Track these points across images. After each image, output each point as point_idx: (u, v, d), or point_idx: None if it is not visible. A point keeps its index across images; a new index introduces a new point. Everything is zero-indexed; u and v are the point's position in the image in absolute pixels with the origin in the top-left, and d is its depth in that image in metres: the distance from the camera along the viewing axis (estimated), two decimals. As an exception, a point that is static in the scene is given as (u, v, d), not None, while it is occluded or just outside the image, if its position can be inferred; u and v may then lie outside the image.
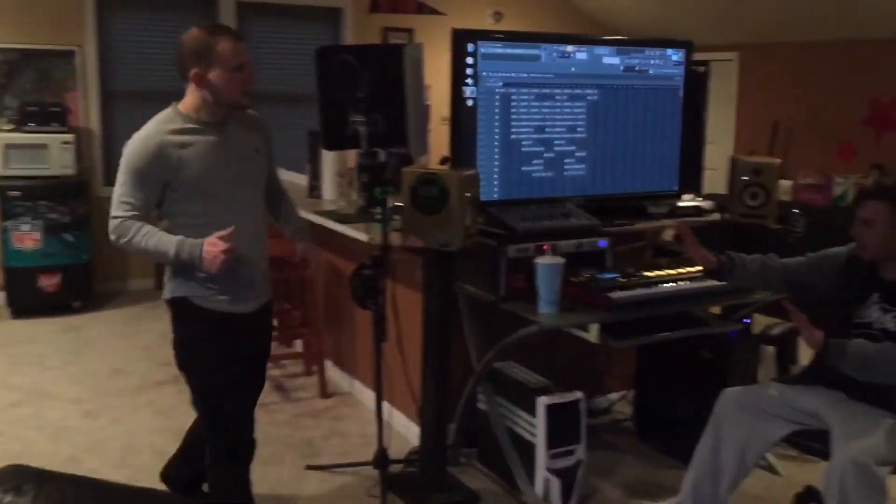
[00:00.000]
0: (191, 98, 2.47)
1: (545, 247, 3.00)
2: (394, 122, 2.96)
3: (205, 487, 2.80)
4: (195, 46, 2.41)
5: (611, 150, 3.55)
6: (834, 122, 6.62)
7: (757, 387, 3.02)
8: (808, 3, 6.23)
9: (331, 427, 3.91)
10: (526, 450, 3.18)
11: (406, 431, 3.71)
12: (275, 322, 4.02)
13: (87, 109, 6.21)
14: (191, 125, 2.45)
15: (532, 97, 3.33)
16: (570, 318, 2.87)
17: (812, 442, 2.73)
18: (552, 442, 3.11)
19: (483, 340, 3.32)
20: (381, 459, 3.03)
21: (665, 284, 3.05)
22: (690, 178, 3.84)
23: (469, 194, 2.85)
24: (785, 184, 5.90)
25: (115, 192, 2.43)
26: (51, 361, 4.81)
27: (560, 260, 2.83)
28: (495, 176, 3.30)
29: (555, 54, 3.36)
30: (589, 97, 3.45)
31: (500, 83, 3.25)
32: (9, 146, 5.58)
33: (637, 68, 3.54)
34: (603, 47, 3.47)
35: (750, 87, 7.40)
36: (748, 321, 3.62)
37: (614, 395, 4.10)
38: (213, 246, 2.36)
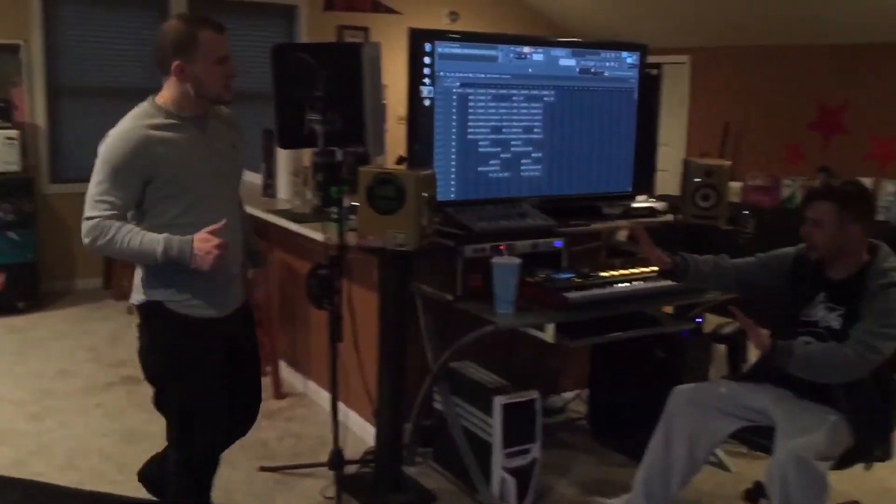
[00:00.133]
0: (170, 91, 2.37)
1: (502, 247, 3.02)
2: (351, 122, 2.95)
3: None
4: (176, 37, 2.31)
5: (566, 152, 3.58)
6: (782, 126, 6.77)
7: (707, 384, 3.08)
8: (758, 10, 6.35)
9: (285, 428, 3.88)
10: (482, 449, 3.19)
11: (361, 432, 3.70)
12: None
13: (33, 105, 6.06)
14: (171, 120, 2.35)
15: (489, 98, 3.34)
16: (527, 317, 2.89)
17: (760, 438, 2.79)
18: (508, 441, 3.12)
19: (439, 340, 3.32)
20: (337, 460, 3.01)
21: (619, 285, 3.08)
22: (644, 180, 3.89)
23: (426, 194, 2.84)
24: (735, 185, 6.01)
25: (91, 191, 2.28)
26: (-5, 363, 4.69)
27: (517, 260, 2.84)
28: (452, 176, 3.31)
29: (512, 55, 3.37)
30: (545, 98, 3.48)
31: (458, 83, 3.26)
32: (-49, 142, 5.43)
33: (593, 70, 3.57)
34: (559, 49, 3.50)
35: (701, 90, 7.52)
36: (700, 321, 3.68)
37: (569, 395, 4.13)
38: (204, 241, 2.26)
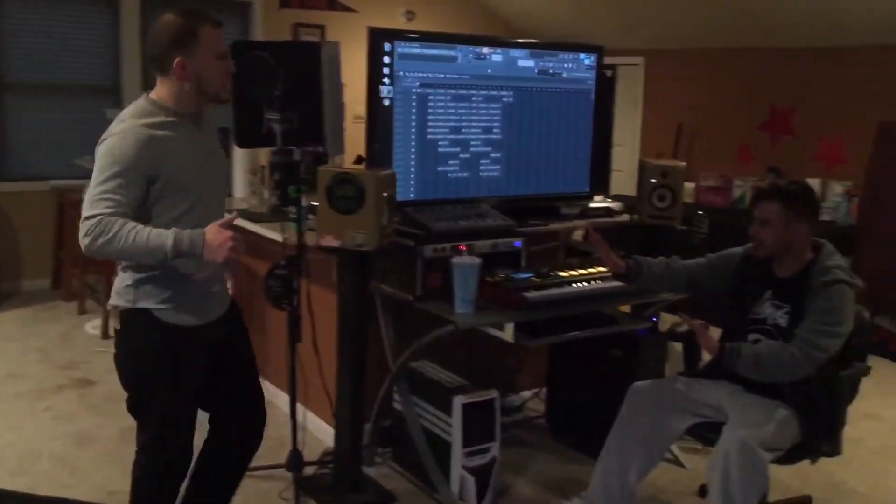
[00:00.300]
0: (167, 89, 2.26)
1: (462, 247, 3.02)
2: (309, 121, 2.93)
3: None
4: (176, 33, 2.21)
5: (525, 152, 3.60)
6: (734, 127, 6.89)
7: (664, 381, 3.13)
8: (710, 13, 6.46)
9: (242, 430, 3.83)
10: (441, 448, 3.20)
11: (320, 433, 3.67)
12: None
13: (-21, 101, 5.91)
14: (171, 118, 2.25)
15: (448, 98, 3.34)
16: (486, 317, 2.90)
17: (714, 434, 2.83)
18: (468, 440, 3.13)
19: (399, 340, 3.32)
20: (295, 461, 2.99)
21: (577, 284, 3.11)
22: (600, 180, 3.92)
23: (386, 194, 2.84)
24: (688, 186, 6.10)
25: (92, 191, 2.14)
26: (-61, 366, 4.56)
27: (477, 260, 2.85)
28: (411, 176, 3.30)
29: (471, 56, 3.38)
30: (504, 99, 3.49)
31: (417, 83, 3.25)
32: None
33: (551, 71, 3.60)
34: (518, 50, 3.51)
35: (655, 92, 7.62)
36: (656, 319, 3.73)
37: (527, 393, 4.16)
38: (217, 233, 2.13)
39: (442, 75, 3.32)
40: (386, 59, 3.16)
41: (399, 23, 7.57)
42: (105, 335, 5.09)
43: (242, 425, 2.62)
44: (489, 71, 3.44)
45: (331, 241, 2.89)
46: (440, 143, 3.36)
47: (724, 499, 2.57)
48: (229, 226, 2.18)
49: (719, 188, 6.54)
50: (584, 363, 3.71)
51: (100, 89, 6.43)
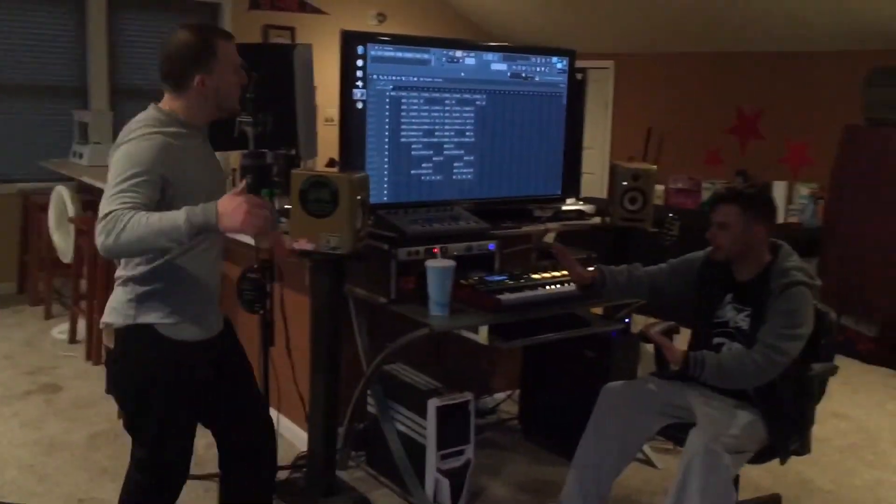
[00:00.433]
0: (181, 103, 2.24)
1: (435, 250, 3.03)
2: (282, 123, 2.92)
3: None
4: (193, 49, 2.19)
5: (498, 155, 3.61)
6: (702, 130, 6.97)
7: (636, 382, 3.15)
8: (679, 17, 6.53)
9: (214, 435, 3.80)
10: (416, 451, 3.20)
11: (293, 437, 3.65)
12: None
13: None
14: (184, 129, 2.23)
15: (422, 101, 3.34)
16: (461, 320, 2.90)
17: (685, 435, 2.86)
18: (442, 443, 3.13)
19: (373, 343, 3.31)
20: (269, 466, 2.96)
21: (550, 286, 3.12)
22: (572, 183, 3.95)
23: (360, 197, 2.82)
24: (658, 188, 6.16)
25: (107, 193, 2.07)
26: None
27: (451, 263, 2.85)
28: (385, 179, 3.30)
29: (444, 59, 3.39)
30: (477, 102, 3.50)
31: (391, 86, 3.25)
32: None
33: (523, 75, 3.62)
34: (491, 53, 3.52)
35: (625, 95, 7.69)
36: (628, 321, 3.77)
37: (500, 395, 4.17)
38: (230, 200, 2.01)
39: (415, 78, 3.32)
40: (359, 62, 3.15)
41: (370, 25, 7.56)
42: (72, 340, 5.03)
43: (251, 437, 2.55)
44: (462, 74, 3.45)
45: (304, 245, 2.87)
46: (413, 146, 3.36)
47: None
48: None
49: (688, 191, 6.61)
50: (557, 365, 3.73)
51: (66, 90, 6.34)
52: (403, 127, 3.32)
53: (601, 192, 5.05)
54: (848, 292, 5.32)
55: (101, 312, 4.41)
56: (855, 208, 5.38)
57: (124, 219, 1.97)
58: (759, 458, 2.84)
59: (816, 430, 2.99)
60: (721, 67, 6.85)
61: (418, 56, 3.33)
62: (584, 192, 4.18)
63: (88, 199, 5.42)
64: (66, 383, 4.40)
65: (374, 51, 3.19)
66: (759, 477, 3.49)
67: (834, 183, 5.55)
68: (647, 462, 3.65)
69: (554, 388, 3.76)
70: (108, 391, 2.42)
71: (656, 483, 3.50)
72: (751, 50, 6.53)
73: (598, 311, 3.60)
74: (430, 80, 3.36)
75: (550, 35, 7.31)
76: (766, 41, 6.33)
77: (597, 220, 3.88)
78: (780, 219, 5.97)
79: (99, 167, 5.65)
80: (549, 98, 3.72)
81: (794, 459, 2.97)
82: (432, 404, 3.11)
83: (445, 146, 3.45)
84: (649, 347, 3.36)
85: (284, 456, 3.37)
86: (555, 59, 3.70)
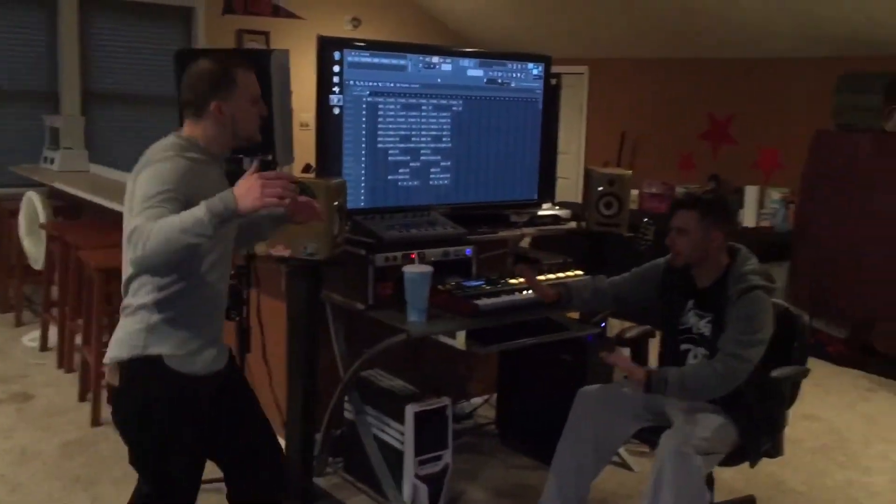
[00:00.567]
0: (200, 130, 2.23)
1: (413, 255, 3.03)
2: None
3: None
4: (213, 77, 2.20)
5: (474, 160, 3.62)
6: (676, 135, 7.04)
7: (612, 385, 3.17)
8: (652, 23, 6.60)
9: (189, 442, 3.77)
10: (394, 457, 3.19)
11: (270, 444, 3.63)
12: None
13: None
14: (202, 156, 2.23)
15: (399, 107, 3.35)
16: (438, 325, 2.91)
17: (659, 438, 2.89)
18: (420, 449, 3.13)
19: (350, 349, 3.30)
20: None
21: (527, 291, 3.14)
22: (547, 188, 3.97)
23: (336, 203, 2.83)
24: (632, 193, 6.22)
25: (135, 211, 2.04)
26: None
27: (428, 269, 2.86)
28: (362, 184, 3.30)
29: (420, 65, 3.40)
30: (454, 108, 3.51)
31: (367, 92, 3.25)
32: None
33: (499, 81, 3.64)
34: (467, 59, 3.54)
35: (599, 100, 7.74)
36: (604, 325, 3.79)
37: (477, 400, 4.18)
38: (245, 182, 2.00)
39: (392, 84, 3.32)
40: (336, 68, 3.15)
41: (345, 30, 7.55)
42: (43, 347, 4.96)
43: (259, 472, 2.48)
44: (439, 80, 3.46)
45: (281, 251, 2.87)
46: (390, 151, 3.36)
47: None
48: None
49: (662, 195, 6.66)
50: (534, 369, 3.74)
51: (37, 95, 6.27)
52: (380, 132, 3.32)
53: (576, 196, 5.07)
54: (818, 295, 5.39)
55: (73, 318, 4.42)
56: (825, 212, 5.46)
57: (146, 228, 1.96)
58: (731, 460, 2.87)
59: (788, 432, 3.03)
60: (694, 73, 6.92)
61: (395, 62, 3.33)
62: (558, 197, 4.20)
63: (59, 204, 5.37)
64: (37, 391, 4.34)
65: (351, 57, 3.19)
66: (733, 479, 3.53)
67: (805, 187, 5.63)
68: (624, 465, 3.67)
69: (530, 393, 3.78)
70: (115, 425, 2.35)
71: (632, 486, 3.52)
72: (723, 56, 6.61)
73: (575, 315, 3.62)
74: (406, 85, 3.37)
75: (525, 40, 7.35)
76: (738, 48, 6.40)
77: (572, 224, 3.90)
78: (753, 223, 6.05)
79: (70, 173, 5.60)
80: (525, 104, 3.75)
81: (767, 461, 3.01)
82: (410, 410, 3.11)
83: (422, 152, 3.45)
84: (625, 351, 3.38)
85: (261, 463, 3.35)
86: (531, 64, 3.73)
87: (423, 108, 3.42)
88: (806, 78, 6.11)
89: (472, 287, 3.06)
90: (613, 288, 3.08)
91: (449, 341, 2.95)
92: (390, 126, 3.34)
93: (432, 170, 3.50)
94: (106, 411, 4.03)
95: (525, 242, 4.22)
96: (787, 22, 5.77)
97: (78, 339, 4.37)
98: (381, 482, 3.21)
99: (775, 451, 2.96)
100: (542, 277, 3.28)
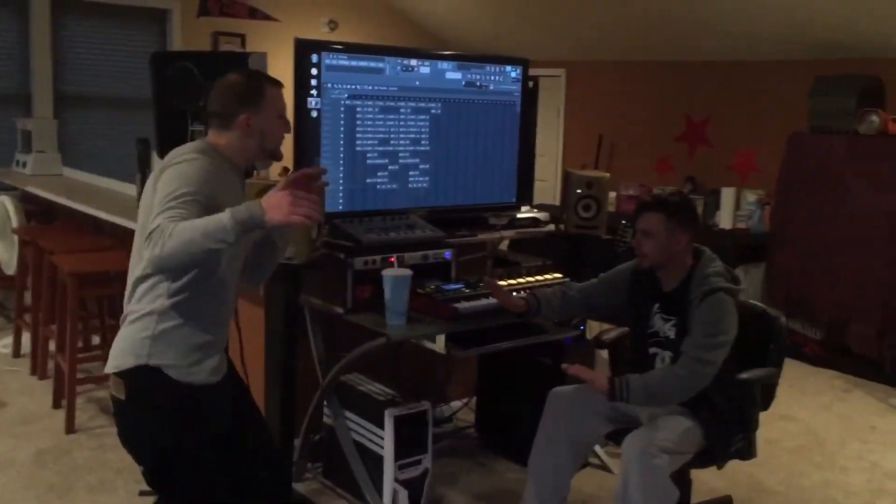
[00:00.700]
0: (226, 140, 2.24)
1: (392, 259, 3.01)
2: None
3: None
4: (242, 90, 2.22)
5: (453, 163, 3.62)
6: (652, 138, 7.08)
7: (583, 386, 3.16)
8: (629, 26, 6.63)
9: (166, 449, 3.73)
10: (373, 462, 3.17)
11: (248, 449, 3.60)
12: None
13: None
14: (225, 164, 2.23)
15: (377, 110, 3.34)
16: (418, 329, 2.89)
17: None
18: (400, 453, 3.11)
19: (329, 353, 3.28)
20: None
21: (506, 295, 3.13)
22: (525, 190, 3.97)
23: (315, 206, 2.81)
24: (610, 195, 6.24)
25: (156, 211, 2.02)
26: None
27: (408, 272, 2.84)
28: (340, 187, 3.28)
29: (399, 68, 3.39)
30: (432, 111, 3.50)
31: (346, 95, 3.24)
32: None
33: (478, 84, 3.63)
34: (445, 62, 3.53)
35: (576, 103, 7.78)
36: (583, 328, 3.80)
37: (457, 403, 4.17)
38: (273, 194, 2.00)
39: (370, 87, 3.31)
40: (313, 71, 3.13)
41: (321, 33, 7.53)
42: (16, 354, 4.89)
43: (266, 477, 2.44)
44: (417, 83, 3.45)
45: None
46: (369, 154, 3.35)
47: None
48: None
49: (639, 197, 6.70)
50: (513, 372, 3.74)
51: (8, 98, 6.19)
52: (359, 135, 3.30)
53: (553, 199, 5.08)
54: (794, 296, 5.44)
55: (46, 324, 4.35)
56: (800, 214, 5.51)
57: (168, 228, 1.93)
58: (699, 461, 2.87)
59: (765, 432, 3.04)
60: (670, 76, 6.97)
61: (373, 65, 3.32)
62: (536, 200, 4.21)
63: (32, 208, 5.29)
64: (10, 399, 4.28)
65: (329, 59, 3.17)
66: (711, 479, 3.54)
67: (780, 189, 5.68)
68: (603, 467, 3.68)
69: (510, 396, 3.77)
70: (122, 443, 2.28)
71: (611, 488, 3.52)
72: (699, 59, 6.66)
73: (554, 318, 3.62)
74: (384, 88, 3.35)
75: (503, 43, 7.36)
76: (714, 51, 6.46)
77: (551, 227, 3.91)
78: (729, 225, 6.10)
79: (43, 176, 5.52)
80: (504, 106, 3.75)
81: (746, 462, 3.02)
82: (389, 414, 3.09)
83: (401, 154, 3.44)
84: (604, 353, 3.39)
85: (239, 469, 3.33)
86: (509, 67, 3.73)
87: (402, 110, 3.41)
88: (781, 81, 6.17)
89: (452, 290, 3.05)
90: (583, 295, 3.07)
91: (429, 345, 2.93)
92: (368, 129, 3.32)
93: (411, 173, 3.49)
94: (80, 418, 3.98)
95: (504, 245, 4.22)
96: (763, 25, 5.83)
97: (52, 346, 4.31)
98: (360, 487, 3.19)
99: (748, 452, 2.96)
100: (521, 280, 3.28)
